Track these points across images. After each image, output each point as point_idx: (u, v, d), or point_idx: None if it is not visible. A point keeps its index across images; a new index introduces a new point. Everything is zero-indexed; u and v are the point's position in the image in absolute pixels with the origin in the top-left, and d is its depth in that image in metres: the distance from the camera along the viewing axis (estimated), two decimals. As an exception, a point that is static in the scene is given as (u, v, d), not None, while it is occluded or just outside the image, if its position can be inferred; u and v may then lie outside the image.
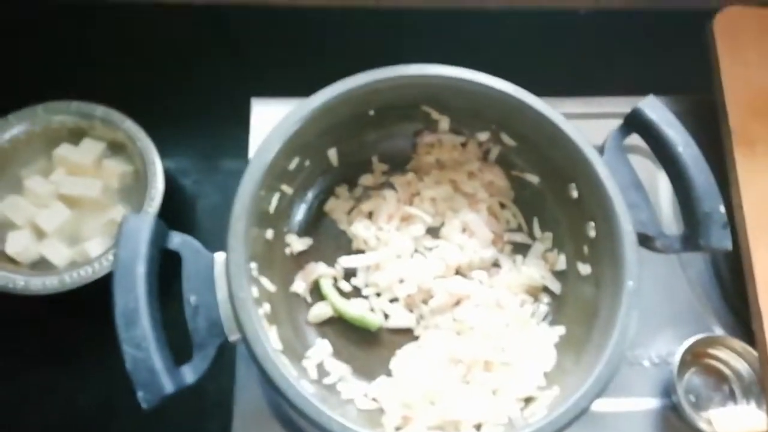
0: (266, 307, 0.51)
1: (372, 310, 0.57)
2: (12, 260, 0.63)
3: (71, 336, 0.65)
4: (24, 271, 0.62)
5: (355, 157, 0.61)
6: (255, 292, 0.49)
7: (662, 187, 0.68)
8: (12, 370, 0.64)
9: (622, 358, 0.47)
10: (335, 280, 0.58)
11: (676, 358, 0.58)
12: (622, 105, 0.58)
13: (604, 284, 0.52)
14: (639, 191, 0.54)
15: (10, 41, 0.78)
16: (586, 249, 0.56)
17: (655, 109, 0.54)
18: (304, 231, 0.60)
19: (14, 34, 0.78)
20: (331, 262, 0.58)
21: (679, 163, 0.52)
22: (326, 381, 0.52)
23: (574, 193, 0.56)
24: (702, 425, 0.57)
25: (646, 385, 0.61)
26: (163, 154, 0.66)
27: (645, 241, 0.52)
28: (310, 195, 0.61)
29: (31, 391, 0.63)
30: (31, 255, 0.64)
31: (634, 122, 0.55)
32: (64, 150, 0.67)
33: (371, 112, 0.58)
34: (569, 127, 0.53)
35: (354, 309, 0.55)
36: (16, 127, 0.67)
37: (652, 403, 0.60)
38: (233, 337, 0.47)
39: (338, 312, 0.55)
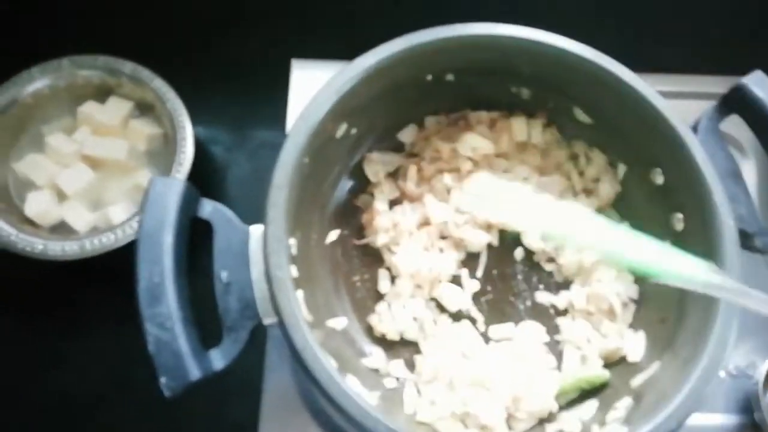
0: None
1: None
2: (31, 222, 0.60)
3: (88, 305, 0.61)
4: (43, 234, 0.59)
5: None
6: (295, 271, 0.43)
7: (747, 179, 0.61)
8: (23, 337, 0.60)
9: (716, 373, 0.40)
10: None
11: (762, 371, 0.52)
12: (720, 84, 0.50)
13: (694, 285, 0.45)
14: (737, 181, 0.47)
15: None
16: (669, 243, 0.49)
17: (763, 86, 0.47)
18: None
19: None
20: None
21: (790, 150, 0.45)
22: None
23: (659, 179, 0.49)
24: (787, 448, 0.51)
25: (721, 399, 0.54)
26: (193, 118, 0.62)
27: (742, 239, 0.45)
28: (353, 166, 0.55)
29: (42, 359, 0.59)
30: (51, 218, 0.60)
31: (736, 100, 0.48)
32: (89, 108, 0.63)
33: (429, 77, 0.52)
34: (663, 104, 0.46)
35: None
36: (40, 81, 0.63)
37: (727, 419, 0.54)
38: (268, 320, 0.42)
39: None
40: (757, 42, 0.69)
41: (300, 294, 0.43)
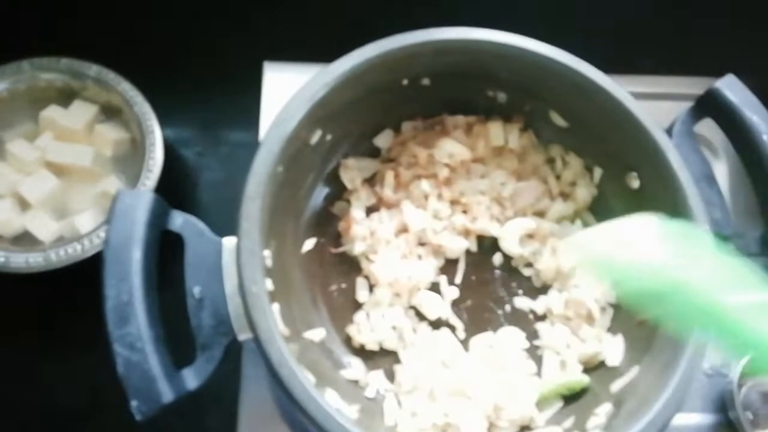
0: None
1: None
2: (-9, 233, 0.57)
3: (55, 320, 0.59)
4: (5, 245, 0.57)
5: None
6: (270, 284, 0.42)
7: (720, 182, 0.61)
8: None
9: (695, 377, 0.40)
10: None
11: (737, 371, 0.53)
12: (692, 86, 0.51)
13: (670, 289, 0.45)
14: (712, 185, 0.47)
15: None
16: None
17: (735, 90, 0.47)
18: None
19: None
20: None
21: (762, 153, 0.46)
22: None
23: (635, 183, 0.50)
24: (760, 446, 0.52)
25: (696, 399, 0.55)
26: (163, 121, 0.60)
27: (717, 242, 0.45)
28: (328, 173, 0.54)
29: (7, 379, 0.57)
30: (14, 228, 0.58)
31: (709, 104, 0.48)
32: (52, 112, 0.61)
33: (404, 82, 0.51)
34: (637, 108, 0.47)
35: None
36: (-2, 84, 0.60)
37: (704, 418, 0.55)
38: (243, 336, 0.41)
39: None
40: (733, 43, 0.69)
41: (276, 307, 0.42)
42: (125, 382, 0.36)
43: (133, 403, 0.36)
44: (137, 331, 0.37)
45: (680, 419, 0.53)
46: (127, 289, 0.37)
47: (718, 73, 0.50)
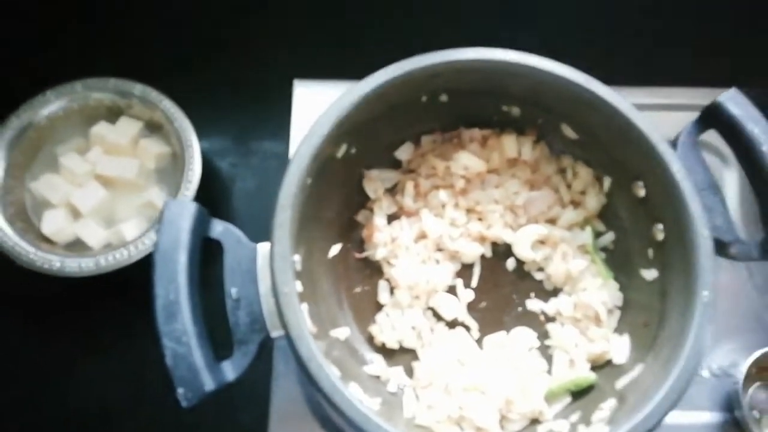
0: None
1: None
2: (47, 240, 0.62)
3: (104, 320, 0.63)
4: (59, 251, 0.61)
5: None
6: (299, 286, 0.46)
7: (729, 188, 0.64)
8: (40, 351, 0.63)
9: (694, 374, 0.43)
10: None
11: (742, 371, 0.55)
12: (699, 97, 0.53)
13: (673, 293, 0.48)
14: (715, 193, 0.49)
15: (51, 17, 0.76)
16: (651, 253, 0.52)
17: (737, 103, 0.49)
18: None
19: (56, 9, 0.76)
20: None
21: (763, 164, 0.48)
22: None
23: (641, 192, 0.52)
24: (766, 445, 0.54)
25: (704, 398, 0.57)
26: (200, 134, 0.64)
27: (719, 247, 0.48)
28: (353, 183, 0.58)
29: (57, 374, 0.62)
30: (67, 235, 0.63)
31: (713, 117, 0.50)
32: (101, 128, 0.66)
33: (424, 99, 0.54)
34: (642, 121, 0.49)
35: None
36: (55, 104, 0.66)
37: (711, 417, 0.57)
38: (276, 333, 0.45)
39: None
40: (737, 52, 0.71)
41: (305, 307, 0.47)
42: (173, 372, 0.40)
43: (180, 391, 0.40)
44: (183, 326, 0.41)
45: (689, 417, 0.56)
46: (174, 288, 0.42)
47: (725, 83, 0.52)
